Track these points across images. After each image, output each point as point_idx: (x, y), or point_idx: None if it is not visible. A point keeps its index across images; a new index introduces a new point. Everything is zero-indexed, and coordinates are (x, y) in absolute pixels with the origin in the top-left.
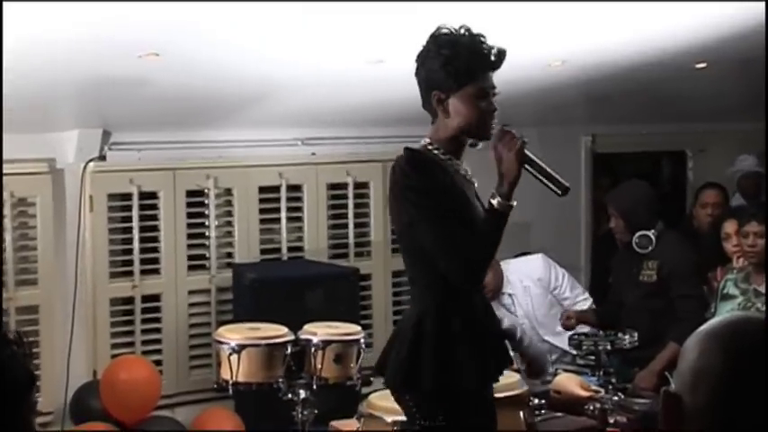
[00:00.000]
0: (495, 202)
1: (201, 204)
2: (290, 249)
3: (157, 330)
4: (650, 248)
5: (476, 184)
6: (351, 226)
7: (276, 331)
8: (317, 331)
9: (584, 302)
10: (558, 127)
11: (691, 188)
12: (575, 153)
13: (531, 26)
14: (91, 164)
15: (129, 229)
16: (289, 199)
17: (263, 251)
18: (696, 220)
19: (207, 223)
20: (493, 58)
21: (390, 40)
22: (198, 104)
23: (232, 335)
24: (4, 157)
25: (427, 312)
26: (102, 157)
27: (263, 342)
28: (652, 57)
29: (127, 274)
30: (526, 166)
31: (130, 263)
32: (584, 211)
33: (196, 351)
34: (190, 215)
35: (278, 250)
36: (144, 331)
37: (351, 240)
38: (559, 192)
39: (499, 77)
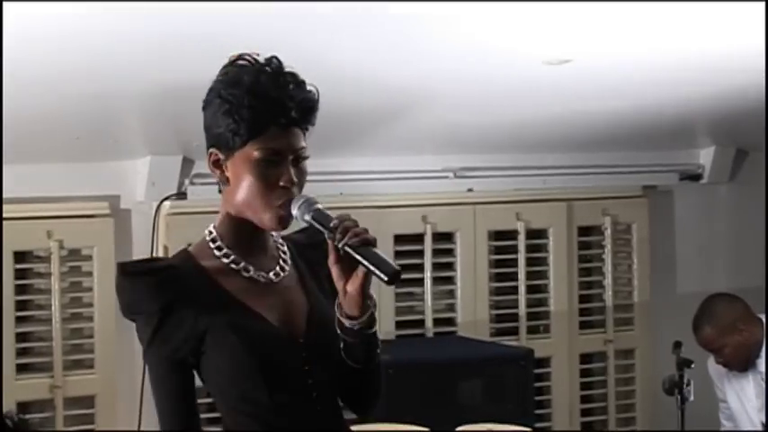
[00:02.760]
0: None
1: None
2: (437, 322)
3: None
4: None
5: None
6: (522, 290)
7: None
8: None
9: None
10: None
11: None
12: None
13: None
14: (166, 203)
15: None
16: (436, 252)
17: (399, 324)
18: None
19: None
20: (293, 108)
21: (579, 33)
22: (319, 124)
23: None
24: (51, 194)
25: None
26: (182, 195)
27: None
28: None
29: None
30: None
31: None
32: None
33: None
34: None
35: (420, 323)
36: None
37: (522, 311)
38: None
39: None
